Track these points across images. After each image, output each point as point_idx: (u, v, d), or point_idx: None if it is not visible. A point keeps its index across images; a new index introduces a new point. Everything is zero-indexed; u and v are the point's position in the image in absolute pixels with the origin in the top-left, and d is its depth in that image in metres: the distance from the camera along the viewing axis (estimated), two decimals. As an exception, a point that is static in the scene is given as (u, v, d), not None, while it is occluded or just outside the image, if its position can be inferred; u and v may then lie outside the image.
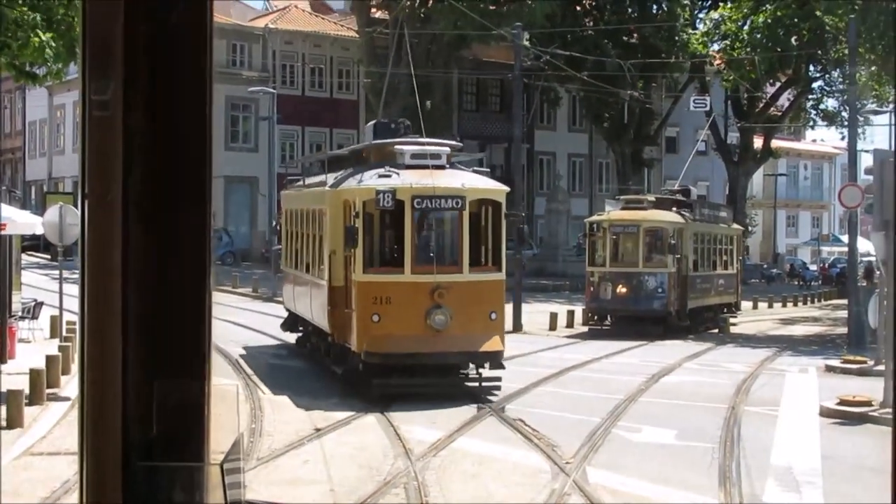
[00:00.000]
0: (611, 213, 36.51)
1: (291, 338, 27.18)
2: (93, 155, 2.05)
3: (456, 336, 20.00)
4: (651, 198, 38.88)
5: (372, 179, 20.40)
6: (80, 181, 2.09)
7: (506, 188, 22.42)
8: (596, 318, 35.77)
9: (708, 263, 39.38)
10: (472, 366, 20.74)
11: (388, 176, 20.36)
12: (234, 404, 2.23)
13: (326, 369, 22.29)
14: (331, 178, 22.78)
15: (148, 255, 2.04)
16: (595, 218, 37.34)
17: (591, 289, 35.22)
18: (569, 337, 33.57)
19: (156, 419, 2.01)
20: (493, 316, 20.54)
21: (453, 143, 23.69)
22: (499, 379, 20.52)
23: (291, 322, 27.06)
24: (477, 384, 20.45)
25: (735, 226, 45.57)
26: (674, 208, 37.10)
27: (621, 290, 34.25)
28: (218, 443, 2.07)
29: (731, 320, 40.28)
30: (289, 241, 27.27)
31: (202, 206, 2.09)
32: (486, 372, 20.51)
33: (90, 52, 2.04)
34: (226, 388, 2.17)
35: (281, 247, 29.98)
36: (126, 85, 2.02)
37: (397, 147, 21.45)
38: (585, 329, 35.27)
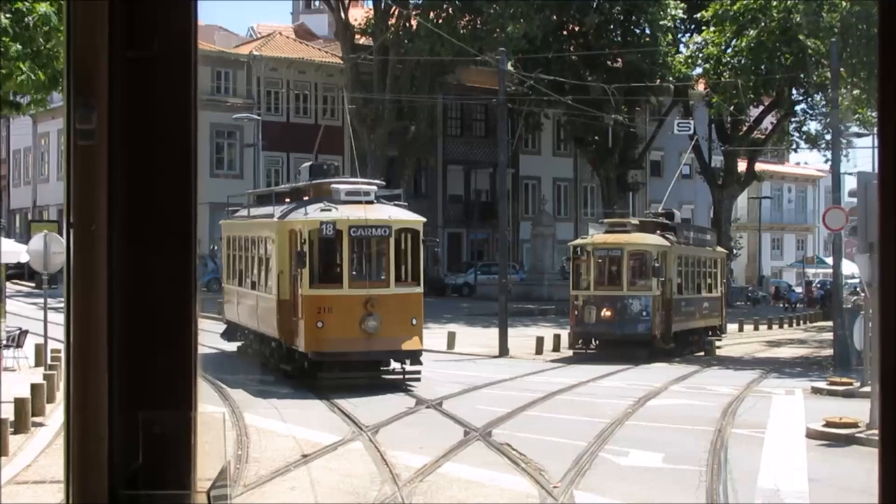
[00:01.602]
0: (595, 237, 36.46)
1: (231, 346, 31.07)
2: (77, 184, 2.05)
3: (384, 338, 24.78)
4: (635, 221, 38.78)
5: (315, 213, 25.23)
6: (65, 210, 2.09)
7: (423, 219, 27.23)
8: (581, 342, 35.39)
9: (692, 286, 39.14)
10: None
11: (329, 210, 25.20)
12: (220, 432, 2.23)
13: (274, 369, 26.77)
14: (277, 210, 27.11)
15: (133, 283, 2.04)
16: (579, 241, 37.39)
17: (576, 313, 34.92)
18: (555, 361, 33.57)
19: (142, 448, 2.01)
20: (414, 321, 25.50)
21: (378, 182, 29.53)
22: (418, 372, 25.36)
23: (232, 332, 31.33)
24: (401, 376, 25.37)
25: (719, 248, 45.35)
26: (658, 231, 36.95)
27: (605, 313, 34.15)
28: (205, 470, 2.07)
29: (717, 343, 40.14)
30: (231, 262, 32.08)
31: (187, 235, 2.09)
32: (411, 367, 25.37)
33: (75, 81, 2.04)
34: (212, 415, 2.17)
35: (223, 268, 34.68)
36: (111, 114, 2.03)
37: (334, 186, 26.40)
38: (571, 353, 35.04)
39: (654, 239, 35.82)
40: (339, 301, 24.70)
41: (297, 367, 25.31)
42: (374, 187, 27.31)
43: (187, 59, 2.07)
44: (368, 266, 26.29)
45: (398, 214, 26.56)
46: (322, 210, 25.26)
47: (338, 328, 24.34)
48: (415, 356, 25.40)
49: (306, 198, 27.37)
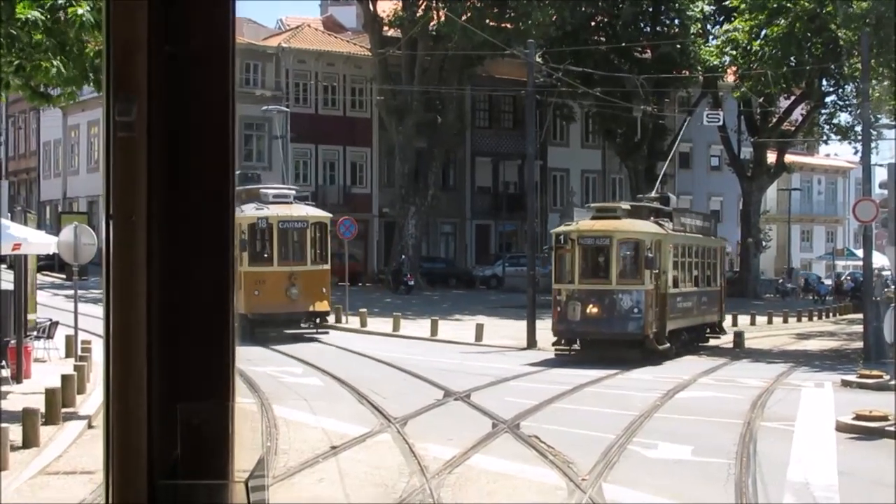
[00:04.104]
0: (580, 224, 32.51)
1: None
2: (117, 175, 2.07)
3: (302, 302, 34.28)
4: (625, 206, 34.65)
5: (251, 211, 33.96)
6: (104, 201, 2.10)
7: (330, 215, 37.50)
8: (564, 341, 31.70)
9: (689, 279, 35.39)
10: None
11: (262, 209, 34.27)
12: (256, 423, 2.25)
13: None
14: None
15: (172, 276, 2.05)
16: (562, 228, 33.02)
17: (558, 309, 31.16)
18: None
19: (180, 439, 2.03)
20: (324, 290, 35.26)
21: (296, 187, 42.30)
22: (327, 327, 35.79)
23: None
24: (314, 331, 34.93)
25: (719, 237, 41.60)
26: (651, 217, 33.32)
27: (592, 310, 30.50)
28: (241, 461, 2.08)
29: (746, 335, 38.77)
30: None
31: (225, 228, 2.11)
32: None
33: (114, 74, 2.06)
34: (247, 406, 2.19)
35: None
36: (150, 106, 2.04)
37: (263, 190, 35.98)
38: (552, 354, 31.80)
39: (647, 226, 32.20)
40: (270, 276, 33.90)
41: (240, 325, 30.33)
42: (294, 191, 37.95)
43: (225, 54, 2.09)
44: (291, 250, 35.34)
45: (312, 212, 36.46)
46: (256, 209, 34.22)
47: (269, 296, 33.33)
48: (323, 315, 35.82)
49: (243, 199, 35.05)
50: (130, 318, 2.04)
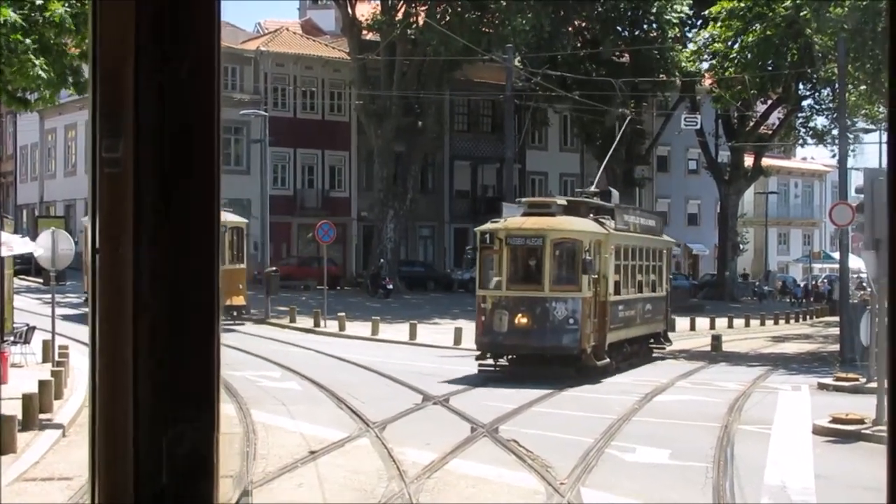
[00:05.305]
0: (508, 221, 28.19)
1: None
2: (104, 211, 2.09)
3: (223, 297, 33.64)
4: (561, 201, 30.07)
5: None
6: (90, 235, 2.12)
7: (246, 220, 41.68)
8: (489, 355, 27.64)
9: (633, 285, 31.34)
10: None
11: None
12: (240, 451, 2.28)
13: None
14: None
15: (158, 308, 2.07)
16: (488, 226, 28.41)
17: (483, 318, 27.18)
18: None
19: (166, 468, 2.05)
20: (240, 286, 39.65)
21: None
22: (244, 320, 40.65)
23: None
24: (232, 322, 38.47)
25: (666, 237, 37.13)
26: (591, 215, 29.34)
27: (521, 320, 26.70)
28: (226, 488, 2.11)
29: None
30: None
31: (211, 258, 2.13)
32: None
33: (101, 110, 2.08)
34: (233, 435, 2.23)
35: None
36: (136, 142, 2.07)
37: None
38: (476, 370, 27.72)
39: (585, 224, 28.30)
40: None
41: None
42: None
43: (211, 86, 2.11)
44: None
45: (231, 217, 39.87)
46: None
47: None
48: (240, 309, 40.49)
49: None
50: (117, 349, 2.07)
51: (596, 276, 27.42)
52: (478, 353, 27.79)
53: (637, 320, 31.64)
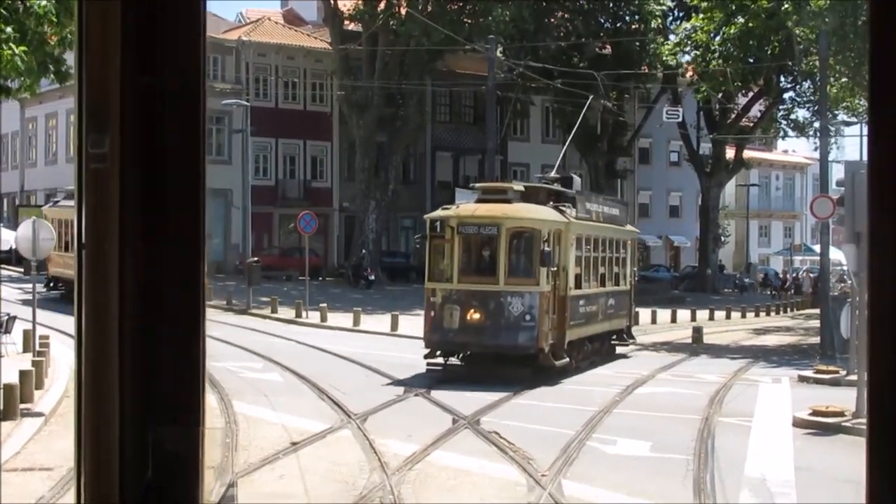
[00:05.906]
0: (460, 208, 26.37)
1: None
2: (90, 206, 2.10)
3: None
4: (518, 187, 28.03)
5: None
6: (76, 231, 2.13)
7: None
8: (438, 353, 25.66)
9: (595, 278, 29.33)
10: None
11: None
12: (226, 448, 2.28)
13: None
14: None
15: (144, 304, 2.08)
16: (438, 213, 26.50)
17: (432, 314, 25.16)
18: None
19: (152, 465, 2.06)
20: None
21: None
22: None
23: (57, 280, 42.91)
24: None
25: (629, 227, 34.95)
26: (550, 202, 27.24)
27: (474, 316, 24.73)
28: (211, 484, 2.11)
29: (705, 331, 37.86)
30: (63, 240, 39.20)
31: (197, 253, 2.14)
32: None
33: (87, 106, 2.08)
34: (217, 431, 2.24)
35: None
36: (122, 138, 2.07)
37: None
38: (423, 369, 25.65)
39: (544, 212, 26.27)
40: None
41: None
42: None
43: (197, 84, 2.12)
44: None
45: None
46: None
47: None
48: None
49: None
50: (103, 346, 2.07)
51: (555, 269, 25.61)
52: (426, 350, 25.69)
53: (599, 316, 29.59)
